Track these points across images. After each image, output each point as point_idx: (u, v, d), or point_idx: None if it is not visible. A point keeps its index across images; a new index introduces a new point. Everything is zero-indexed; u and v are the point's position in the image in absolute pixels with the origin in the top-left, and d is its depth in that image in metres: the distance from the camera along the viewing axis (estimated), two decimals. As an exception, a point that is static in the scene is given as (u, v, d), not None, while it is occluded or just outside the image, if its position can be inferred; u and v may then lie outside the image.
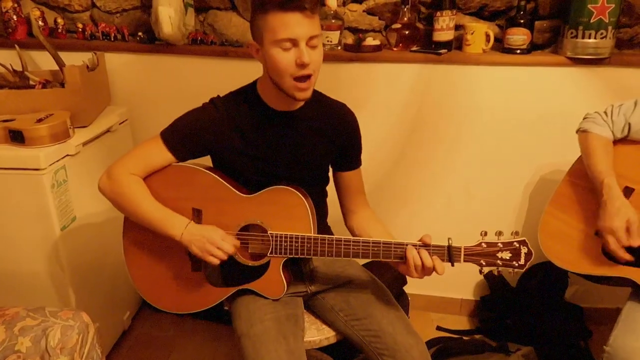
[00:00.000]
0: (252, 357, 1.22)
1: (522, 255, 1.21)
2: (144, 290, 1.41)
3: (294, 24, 1.14)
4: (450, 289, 2.26)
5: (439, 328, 2.17)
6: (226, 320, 2.19)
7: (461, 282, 2.24)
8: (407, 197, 2.12)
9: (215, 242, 1.25)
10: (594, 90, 1.82)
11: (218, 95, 1.36)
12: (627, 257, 1.34)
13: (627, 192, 1.40)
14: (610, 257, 1.40)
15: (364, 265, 1.71)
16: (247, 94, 1.34)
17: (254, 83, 1.36)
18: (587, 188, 1.51)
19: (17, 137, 1.57)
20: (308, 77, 1.20)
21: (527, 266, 1.22)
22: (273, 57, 1.18)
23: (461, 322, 2.23)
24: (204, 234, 1.26)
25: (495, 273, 1.24)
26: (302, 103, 1.34)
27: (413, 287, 2.12)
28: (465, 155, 2.01)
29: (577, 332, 1.97)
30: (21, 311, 1.28)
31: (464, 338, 2.07)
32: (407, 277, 2.00)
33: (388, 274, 1.95)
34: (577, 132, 1.55)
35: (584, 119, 1.55)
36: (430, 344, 1.98)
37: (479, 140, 1.97)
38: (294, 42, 1.16)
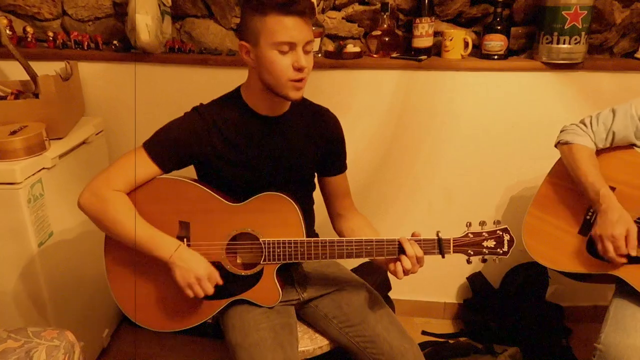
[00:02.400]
0: (248, 367, 1.20)
1: (505, 242, 1.27)
2: (130, 311, 1.34)
3: (293, 28, 1.15)
4: (433, 293, 2.27)
5: (424, 332, 2.18)
6: (209, 334, 2.15)
7: (444, 286, 2.26)
8: (389, 203, 2.13)
9: (200, 280, 1.22)
10: (569, 93, 1.88)
11: (201, 103, 1.34)
12: (623, 260, 1.37)
13: (608, 191, 1.44)
14: (596, 256, 1.44)
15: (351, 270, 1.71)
16: (232, 100, 1.33)
17: (238, 89, 1.34)
18: (567, 188, 1.55)
19: (-11, 150, 1.50)
20: (303, 78, 1.21)
21: (509, 252, 1.28)
22: (270, 59, 1.18)
23: (445, 326, 2.24)
24: (192, 266, 1.22)
25: (481, 262, 1.29)
26: (287, 108, 1.34)
27: (396, 292, 2.13)
28: (446, 159, 2.03)
29: (558, 331, 2.01)
30: (2, 333, 1.22)
31: (450, 342, 2.08)
32: (391, 282, 2.07)
33: (372, 280, 1.95)
34: (556, 145, 1.57)
35: (562, 131, 1.57)
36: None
37: (459, 145, 2.00)
38: (292, 46, 1.17)
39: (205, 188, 1.29)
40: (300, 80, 1.21)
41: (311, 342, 1.41)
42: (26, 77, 1.79)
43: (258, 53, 1.20)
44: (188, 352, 2.09)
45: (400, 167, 2.06)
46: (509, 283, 2.06)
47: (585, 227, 1.49)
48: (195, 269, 1.22)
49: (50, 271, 1.64)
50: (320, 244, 1.25)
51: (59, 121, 1.70)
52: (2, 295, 1.60)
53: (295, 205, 1.27)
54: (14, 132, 1.54)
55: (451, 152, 2.02)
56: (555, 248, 1.53)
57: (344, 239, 1.26)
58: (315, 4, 1.87)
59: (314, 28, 1.85)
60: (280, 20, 1.15)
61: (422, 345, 2.01)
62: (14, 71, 1.90)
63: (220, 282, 1.26)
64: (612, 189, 1.45)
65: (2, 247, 1.54)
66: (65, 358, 1.20)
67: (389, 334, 1.32)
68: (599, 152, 1.51)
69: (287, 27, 1.15)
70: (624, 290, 1.43)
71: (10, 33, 1.99)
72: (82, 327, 1.86)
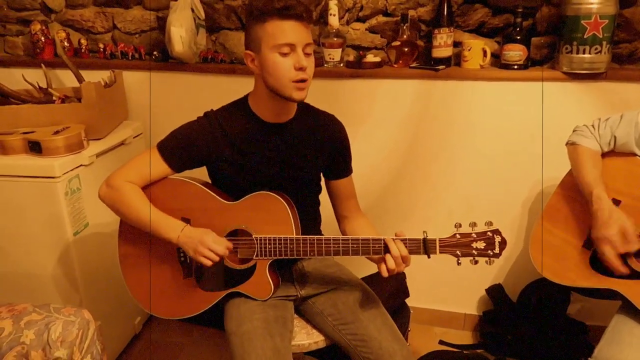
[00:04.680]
0: (239, 353, 1.29)
1: (497, 244, 1.26)
2: (139, 297, 1.48)
3: (292, 31, 1.24)
4: (454, 304, 2.26)
5: (441, 342, 2.17)
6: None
7: (465, 297, 2.24)
8: (409, 211, 2.15)
9: (206, 244, 1.31)
10: (591, 104, 1.83)
11: (211, 109, 1.44)
12: (623, 269, 1.33)
13: (614, 204, 1.40)
14: (598, 269, 1.40)
15: (365, 277, 1.75)
16: (239, 107, 1.42)
17: (245, 97, 1.44)
18: (575, 200, 1.52)
19: (35, 148, 1.70)
20: (305, 79, 1.28)
21: (501, 254, 1.27)
22: (272, 62, 1.27)
23: (465, 337, 2.22)
24: (197, 236, 1.32)
25: (472, 263, 1.28)
26: (292, 115, 1.42)
27: (417, 300, 2.14)
28: (465, 168, 2.03)
29: (579, 349, 1.94)
30: (28, 307, 1.38)
31: (464, 352, 2.06)
32: (409, 290, 2.09)
33: (389, 286, 1.98)
34: (566, 144, 1.57)
35: (574, 131, 1.57)
36: (427, 357, 1.98)
37: (478, 154, 2.00)
38: (292, 48, 1.25)
39: (204, 187, 1.39)
40: (302, 81, 1.28)
41: (307, 337, 1.47)
42: (78, 85, 1.99)
43: (261, 58, 1.29)
44: (213, 343, 2.21)
45: (420, 176, 2.08)
46: (527, 297, 2.01)
47: (590, 241, 1.46)
48: (199, 237, 1.31)
49: (85, 258, 1.81)
50: (308, 242, 1.32)
51: (98, 123, 1.88)
52: (39, 277, 1.79)
53: (285, 204, 1.34)
54: (57, 132, 1.74)
55: (470, 161, 2.01)
56: (560, 261, 1.50)
57: (332, 236, 1.32)
58: (338, 17, 1.95)
59: (335, 39, 1.95)
60: (279, 24, 1.25)
61: (434, 354, 2.01)
62: (70, 79, 2.12)
63: (230, 245, 1.34)
64: (618, 201, 1.42)
65: (41, 233, 1.73)
66: (79, 333, 1.34)
67: (380, 334, 1.36)
68: (605, 162, 1.48)
69: (285, 31, 1.24)
70: (628, 307, 1.38)
71: (68, 45, 2.23)
72: (115, 313, 2.03)
